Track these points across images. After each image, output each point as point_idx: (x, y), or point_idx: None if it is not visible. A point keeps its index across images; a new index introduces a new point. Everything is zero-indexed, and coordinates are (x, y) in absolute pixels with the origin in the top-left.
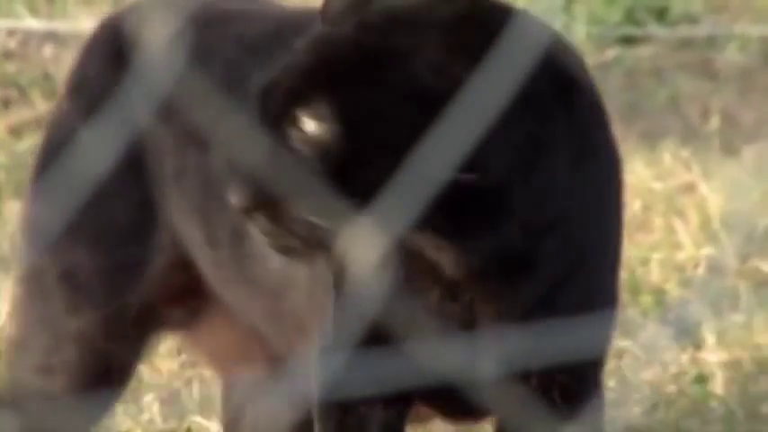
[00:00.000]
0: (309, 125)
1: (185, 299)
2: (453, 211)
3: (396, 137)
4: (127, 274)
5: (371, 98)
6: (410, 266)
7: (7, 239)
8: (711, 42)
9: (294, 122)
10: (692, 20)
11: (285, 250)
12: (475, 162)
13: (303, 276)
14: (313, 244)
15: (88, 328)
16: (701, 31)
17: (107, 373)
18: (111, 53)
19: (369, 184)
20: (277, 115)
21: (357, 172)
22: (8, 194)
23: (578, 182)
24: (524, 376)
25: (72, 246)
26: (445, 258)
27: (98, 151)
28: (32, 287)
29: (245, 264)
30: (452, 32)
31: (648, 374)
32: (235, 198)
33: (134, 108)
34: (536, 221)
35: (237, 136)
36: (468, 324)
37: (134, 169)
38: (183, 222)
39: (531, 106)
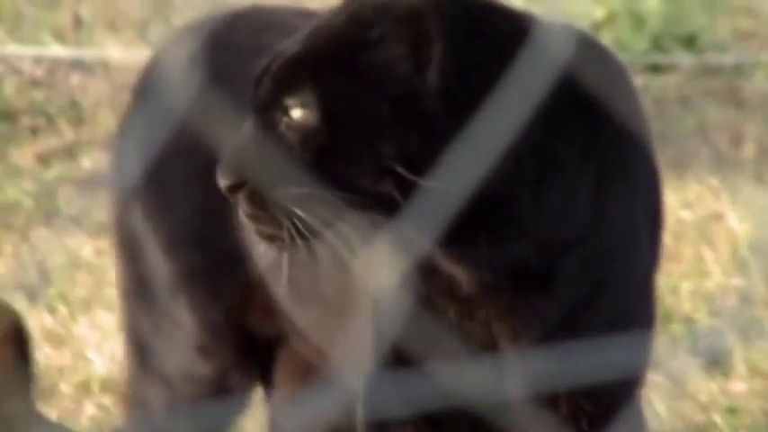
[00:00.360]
0: (296, 112)
1: (270, 317)
2: (462, 224)
3: (369, 126)
4: (216, 285)
5: (348, 88)
6: (427, 283)
7: (35, 267)
8: (739, 70)
9: (282, 109)
10: (719, 48)
11: (269, 238)
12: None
13: (358, 295)
14: (294, 233)
15: (194, 337)
16: (728, 58)
17: (221, 385)
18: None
19: (345, 172)
20: (266, 101)
21: (335, 160)
22: (37, 222)
23: (602, 201)
24: (552, 399)
25: (176, 256)
26: (459, 273)
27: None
28: (140, 302)
29: (311, 281)
30: (415, 23)
31: (678, 404)
32: (220, 177)
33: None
34: (551, 239)
35: (231, 122)
36: (487, 344)
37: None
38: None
39: (541, 120)
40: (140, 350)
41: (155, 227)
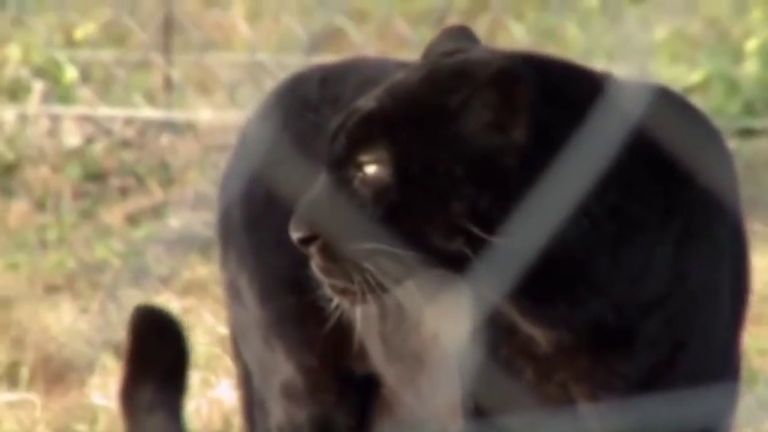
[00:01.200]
0: (370, 168)
1: (363, 359)
2: (539, 283)
3: (442, 185)
4: (309, 331)
5: (423, 147)
6: (506, 342)
7: (123, 325)
8: None
9: (356, 165)
10: None
11: (341, 291)
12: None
13: (430, 348)
14: (366, 287)
15: (295, 377)
16: None
17: (327, 425)
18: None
19: (416, 229)
20: (341, 157)
21: (407, 217)
22: (124, 281)
23: (684, 261)
24: None
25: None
26: (538, 333)
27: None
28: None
29: (407, 339)
30: (503, 90)
31: None
32: (292, 229)
33: None
34: (631, 299)
35: (306, 177)
36: (565, 402)
37: None
38: None
39: (617, 180)
40: (246, 396)
41: (249, 276)
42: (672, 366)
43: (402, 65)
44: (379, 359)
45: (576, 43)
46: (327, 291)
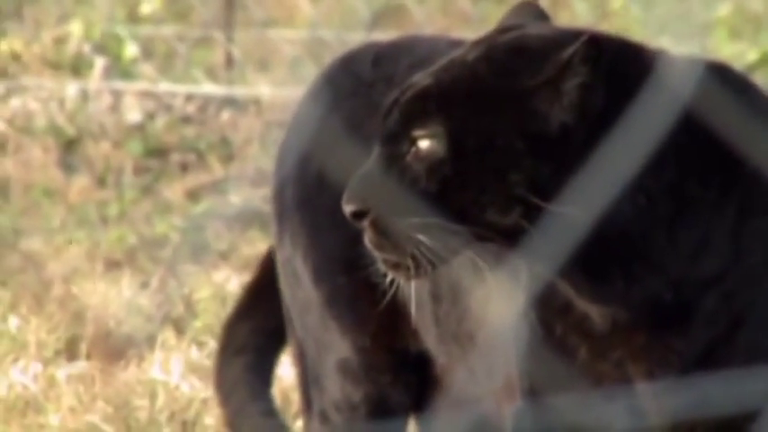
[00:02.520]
0: (423, 143)
1: (417, 338)
2: (594, 260)
3: (501, 159)
4: (362, 310)
5: (481, 123)
6: (560, 320)
7: (182, 301)
8: None
9: (410, 140)
10: None
11: (393, 266)
12: (607, 210)
13: (509, 332)
14: (419, 261)
15: (350, 356)
16: None
17: (378, 410)
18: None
19: (471, 203)
20: (394, 132)
21: (461, 191)
22: (184, 256)
23: (744, 239)
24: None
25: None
26: (593, 310)
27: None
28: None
29: (462, 320)
30: (577, 73)
31: None
32: (345, 204)
33: None
34: (688, 277)
35: (358, 156)
36: (621, 382)
37: None
38: None
39: (673, 158)
40: (303, 375)
41: (303, 254)
42: (730, 344)
43: (455, 43)
44: (431, 339)
45: (636, 20)
46: (381, 266)
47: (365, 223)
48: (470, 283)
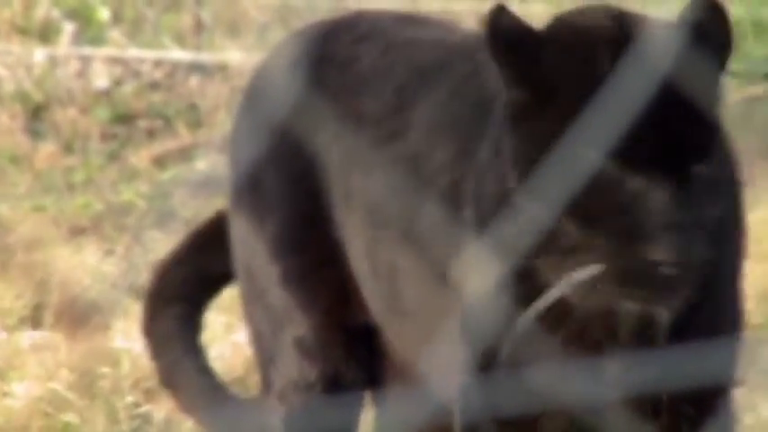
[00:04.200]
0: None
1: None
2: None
3: (571, 103)
4: (315, 287)
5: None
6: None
7: (147, 268)
8: None
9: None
10: None
11: None
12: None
13: (445, 309)
14: None
15: (305, 334)
16: None
17: (333, 388)
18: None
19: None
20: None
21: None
22: (150, 223)
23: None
24: (651, 403)
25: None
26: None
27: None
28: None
29: (398, 298)
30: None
31: None
32: None
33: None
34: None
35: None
36: (589, 349)
37: (299, 183)
38: (351, 248)
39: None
40: (260, 354)
41: (257, 231)
42: (698, 314)
43: (402, 18)
44: (377, 313)
45: None
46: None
47: None
48: (406, 260)
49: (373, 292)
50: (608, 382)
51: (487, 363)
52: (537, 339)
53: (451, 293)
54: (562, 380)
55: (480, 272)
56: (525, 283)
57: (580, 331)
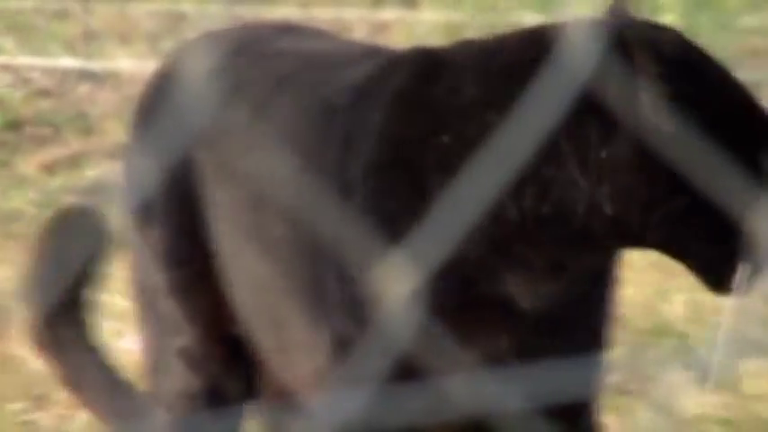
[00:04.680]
0: None
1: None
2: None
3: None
4: (194, 300)
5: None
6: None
7: None
8: (753, 87)
9: None
10: (731, 64)
11: None
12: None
13: (302, 310)
14: None
15: (189, 345)
16: (740, 75)
17: (215, 399)
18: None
19: None
20: None
21: None
22: (39, 232)
23: None
24: (552, 413)
25: (146, 267)
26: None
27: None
28: (139, 311)
29: (262, 297)
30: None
31: (671, 417)
32: None
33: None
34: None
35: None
36: (494, 357)
37: (180, 196)
38: (220, 260)
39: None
40: (148, 362)
41: (143, 242)
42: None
43: (283, 29)
44: (248, 324)
45: None
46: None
47: None
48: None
49: (241, 304)
50: (510, 389)
51: (400, 373)
52: (442, 347)
53: (319, 304)
54: (466, 387)
55: (396, 279)
56: (449, 284)
57: (479, 332)
